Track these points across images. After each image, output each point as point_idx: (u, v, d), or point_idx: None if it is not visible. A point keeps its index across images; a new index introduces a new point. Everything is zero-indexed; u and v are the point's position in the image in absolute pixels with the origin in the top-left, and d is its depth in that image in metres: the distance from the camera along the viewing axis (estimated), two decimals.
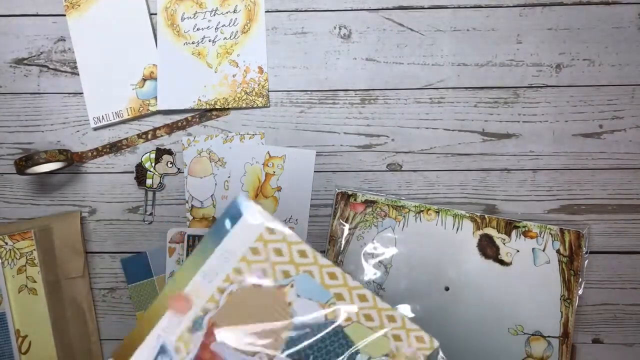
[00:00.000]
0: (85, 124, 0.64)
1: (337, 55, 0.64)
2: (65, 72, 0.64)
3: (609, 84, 0.63)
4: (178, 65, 0.63)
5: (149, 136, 0.64)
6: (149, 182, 0.64)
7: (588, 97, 0.63)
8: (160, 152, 0.64)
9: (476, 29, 0.63)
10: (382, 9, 0.64)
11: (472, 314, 0.60)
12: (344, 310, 0.37)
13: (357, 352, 0.36)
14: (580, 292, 0.60)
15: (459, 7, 0.63)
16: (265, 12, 0.64)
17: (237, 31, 0.64)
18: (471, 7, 0.63)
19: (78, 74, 0.63)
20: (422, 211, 0.62)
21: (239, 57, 0.63)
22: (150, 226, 0.64)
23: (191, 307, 0.36)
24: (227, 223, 0.38)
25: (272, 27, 0.64)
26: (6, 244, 0.59)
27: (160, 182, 0.64)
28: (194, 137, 0.64)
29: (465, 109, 0.63)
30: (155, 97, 0.63)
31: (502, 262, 0.60)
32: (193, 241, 0.62)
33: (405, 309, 0.60)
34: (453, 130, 0.63)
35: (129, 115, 0.63)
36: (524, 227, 0.61)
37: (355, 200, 0.62)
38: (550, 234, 0.60)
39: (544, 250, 0.60)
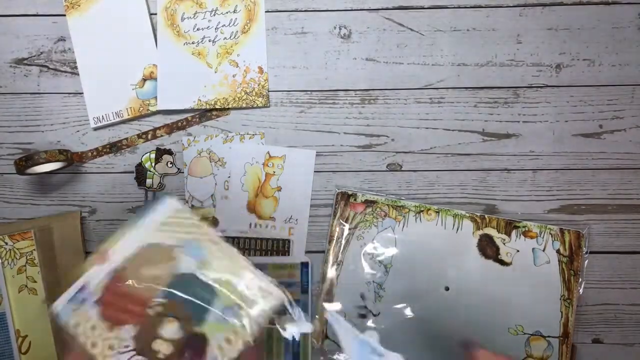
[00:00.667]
0: (85, 124, 0.64)
1: (337, 55, 0.64)
2: (65, 72, 0.64)
3: (609, 84, 0.63)
4: (178, 65, 0.63)
5: (149, 136, 0.64)
6: (149, 182, 0.64)
7: (588, 97, 0.63)
8: (160, 152, 0.64)
9: (476, 29, 0.63)
10: (382, 9, 0.63)
11: (472, 314, 0.60)
12: (214, 268, 0.49)
13: (215, 295, 0.48)
14: (580, 292, 0.60)
15: (459, 7, 0.63)
16: (265, 12, 0.64)
17: (237, 31, 0.64)
18: (471, 7, 0.63)
19: (78, 74, 0.63)
20: (422, 211, 0.62)
21: (239, 57, 0.63)
22: None
23: (107, 261, 0.49)
24: (152, 209, 0.52)
25: (272, 27, 0.64)
26: (6, 244, 0.59)
27: (160, 182, 0.64)
28: (194, 137, 0.64)
29: (465, 109, 0.63)
30: (155, 97, 0.63)
31: (502, 262, 0.60)
32: None
33: (405, 311, 0.60)
34: (453, 130, 0.63)
35: (129, 115, 0.63)
36: (524, 227, 0.61)
37: (355, 200, 0.62)
38: (550, 234, 0.60)
39: (544, 250, 0.60)
